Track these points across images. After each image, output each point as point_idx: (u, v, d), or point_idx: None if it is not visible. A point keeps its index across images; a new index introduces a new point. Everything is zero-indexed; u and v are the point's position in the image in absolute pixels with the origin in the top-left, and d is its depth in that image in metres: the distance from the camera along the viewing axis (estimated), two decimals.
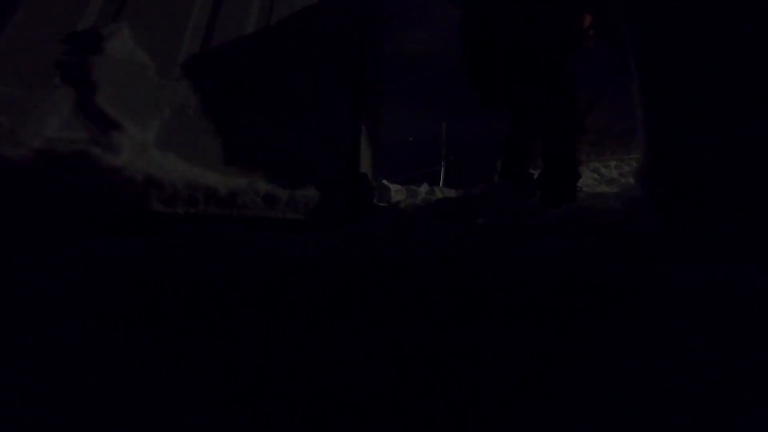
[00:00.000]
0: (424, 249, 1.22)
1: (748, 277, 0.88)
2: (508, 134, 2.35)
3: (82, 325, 0.78)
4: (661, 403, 0.62)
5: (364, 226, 1.81)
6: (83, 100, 1.46)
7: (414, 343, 0.81)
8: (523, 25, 1.97)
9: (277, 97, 2.01)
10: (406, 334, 0.83)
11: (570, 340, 0.80)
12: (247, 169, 1.83)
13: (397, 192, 2.97)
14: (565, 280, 0.94)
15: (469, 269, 1.00)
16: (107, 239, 1.15)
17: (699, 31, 1.34)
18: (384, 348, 0.80)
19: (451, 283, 0.94)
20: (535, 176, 2.22)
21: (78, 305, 0.82)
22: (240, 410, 0.66)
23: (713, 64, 1.31)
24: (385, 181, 2.89)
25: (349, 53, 2.30)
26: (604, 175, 4.81)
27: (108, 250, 1.05)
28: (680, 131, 1.35)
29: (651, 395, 0.63)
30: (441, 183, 5.35)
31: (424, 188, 3.31)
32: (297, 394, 0.71)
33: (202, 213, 1.63)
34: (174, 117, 1.67)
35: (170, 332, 0.82)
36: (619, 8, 1.63)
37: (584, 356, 0.76)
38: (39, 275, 0.91)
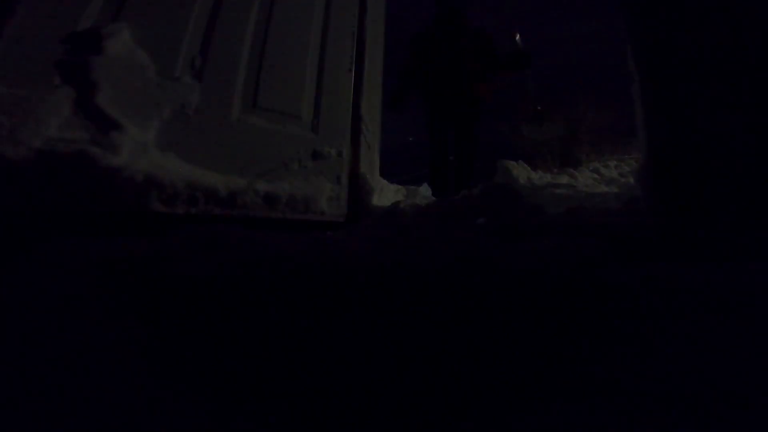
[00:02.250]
0: (423, 249, 1.22)
1: (748, 277, 0.88)
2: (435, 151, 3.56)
3: (81, 325, 0.78)
4: (661, 404, 0.62)
5: (363, 226, 1.81)
6: (83, 100, 1.46)
7: (414, 343, 0.81)
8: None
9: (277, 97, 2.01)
10: (406, 334, 0.83)
11: (570, 341, 0.81)
12: (247, 169, 1.83)
13: (397, 192, 2.97)
14: (565, 280, 0.94)
15: (469, 269, 1.00)
16: (107, 239, 1.15)
17: (699, 31, 1.34)
18: (384, 348, 0.81)
19: (450, 283, 0.94)
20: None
21: (78, 305, 0.82)
22: (240, 410, 0.66)
23: (713, 64, 1.31)
24: (385, 181, 2.88)
25: (349, 51, 2.31)
26: (604, 175, 4.82)
27: (108, 250, 1.05)
28: (680, 131, 1.35)
29: (651, 395, 0.63)
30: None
31: (424, 188, 3.31)
32: (297, 394, 0.71)
33: (202, 213, 1.63)
34: (174, 117, 1.67)
35: (170, 332, 0.82)
36: (619, 8, 1.63)
37: (584, 356, 0.76)
38: (39, 275, 0.91)
